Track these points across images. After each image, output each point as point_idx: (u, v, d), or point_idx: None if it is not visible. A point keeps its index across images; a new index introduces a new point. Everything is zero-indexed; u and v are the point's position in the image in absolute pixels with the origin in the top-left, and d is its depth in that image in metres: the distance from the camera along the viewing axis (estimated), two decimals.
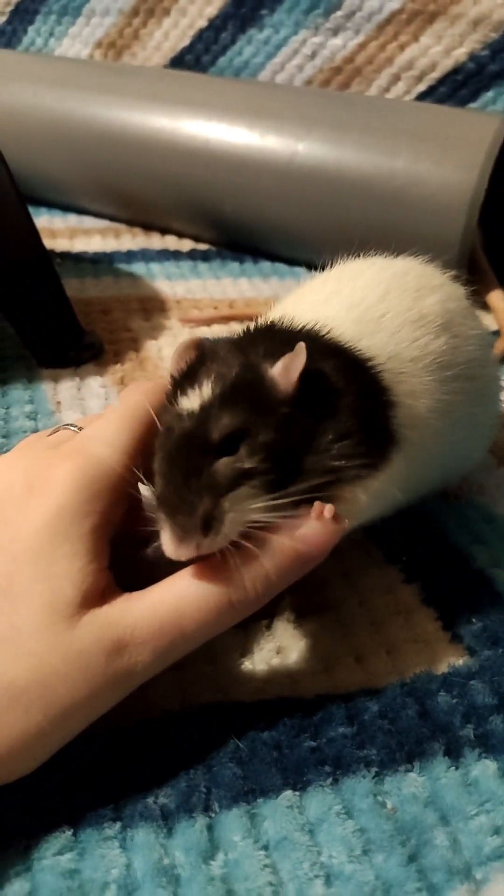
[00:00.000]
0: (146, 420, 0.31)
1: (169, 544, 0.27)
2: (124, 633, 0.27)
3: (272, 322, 0.33)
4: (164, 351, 0.56)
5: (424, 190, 0.62)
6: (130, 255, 0.73)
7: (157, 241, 0.77)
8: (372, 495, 0.32)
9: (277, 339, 0.31)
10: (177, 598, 0.27)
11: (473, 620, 0.35)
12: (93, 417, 0.34)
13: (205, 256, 0.74)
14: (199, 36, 0.84)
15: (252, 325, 0.34)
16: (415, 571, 0.38)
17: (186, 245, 0.77)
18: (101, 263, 0.70)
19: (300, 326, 0.33)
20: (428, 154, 0.62)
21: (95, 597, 0.27)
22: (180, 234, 0.78)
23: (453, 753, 0.29)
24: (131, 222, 0.81)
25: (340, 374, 0.30)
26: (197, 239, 0.78)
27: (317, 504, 0.28)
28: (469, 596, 0.37)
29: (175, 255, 0.74)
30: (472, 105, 0.71)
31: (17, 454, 0.31)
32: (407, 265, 0.39)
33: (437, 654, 0.34)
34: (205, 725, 0.30)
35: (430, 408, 0.34)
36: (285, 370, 0.29)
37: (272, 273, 0.72)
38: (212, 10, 0.83)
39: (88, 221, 0.81)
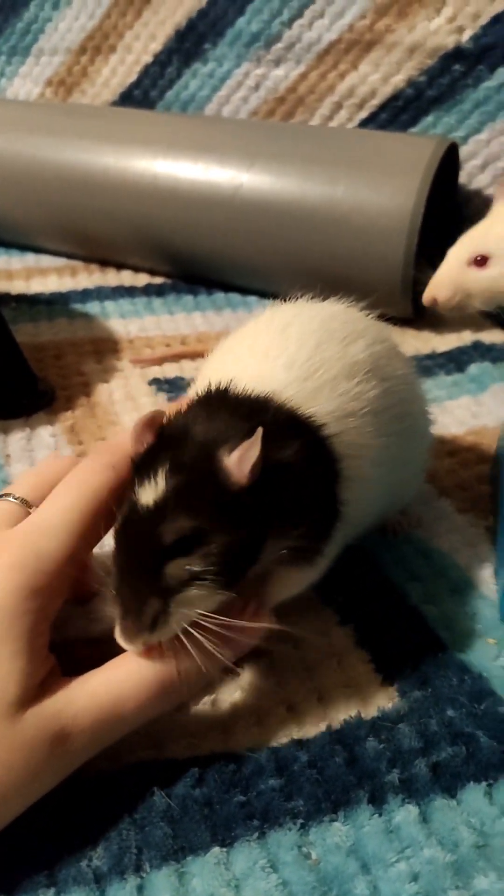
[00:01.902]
0: (96, 504, 0.31)
1: (120, 639, 0.29)
2: (66, 724, 0.28)
3: (223, 389, 0.33)
4: (116, 395, 0.57)
5: (365, 217, 0.64)
6: (86, 295, 0.74)
7: (112, 278, 0.78)
8: (315, 572, 0.34)
9: (233, 414, 0.31)
10: (117, 686, 0.29)
11: (405, 661, 0.37)
12: (33, 481, 0.35)
13: (159, 291, 0.75)
14: (146, 71, 0.86)
15: (205, 391, 0.34)
16: (350, 612, 0.39)
17: (142, 280, 0.78)
18: (55, 305, 0.71)
19: (250, 394, 0.32)
20: (366, 181, 0.64)
21: (37, 691, 0.28)
22: (136, 269, 0.79)
23: (377, 800, 0.31)
24: (88, 259, 0.82)
25: (297, 450, 0.31)
26: (153, 273, 0.79)
27: (248, 610, 0.30)
28: (402, 635, 0.38)
29: (130, 292, 0.75)
30: (413, 130, 0.73)
31: None
32: (332, 311, 0.40)
33: (367, 699, 0.35)
34: (138, 784, 0.31)
35: (370, 460, 0.35)
36: (240, 462, 0.28)
37: (225, 305, 0.73)
38: (156, 46, 0.84)
39: (45, 260, 0.82)
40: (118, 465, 0.32)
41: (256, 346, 0.37)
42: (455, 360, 0.64)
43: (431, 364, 0.63)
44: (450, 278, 0.52)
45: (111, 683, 0.29)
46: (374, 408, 0.36)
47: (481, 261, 0.50)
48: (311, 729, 0.33)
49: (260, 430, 0.28)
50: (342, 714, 0.34)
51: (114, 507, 0.31)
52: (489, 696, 0.35)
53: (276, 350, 0.36)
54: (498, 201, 0.54)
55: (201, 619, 0.29)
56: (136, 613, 0.28)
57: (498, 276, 0.50)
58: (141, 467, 0.30)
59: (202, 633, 0.29)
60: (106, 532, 0.32)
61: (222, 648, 0.29)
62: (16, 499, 0.34)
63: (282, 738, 0.33)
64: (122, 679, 0.29)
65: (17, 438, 0.52)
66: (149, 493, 0.29)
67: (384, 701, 0.35)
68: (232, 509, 0.29)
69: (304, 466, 0.30)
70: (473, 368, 0.62)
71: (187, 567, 0.28)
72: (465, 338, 0.67)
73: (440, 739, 0.33)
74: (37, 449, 0.51)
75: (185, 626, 0.29)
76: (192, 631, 0.29)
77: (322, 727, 0.33)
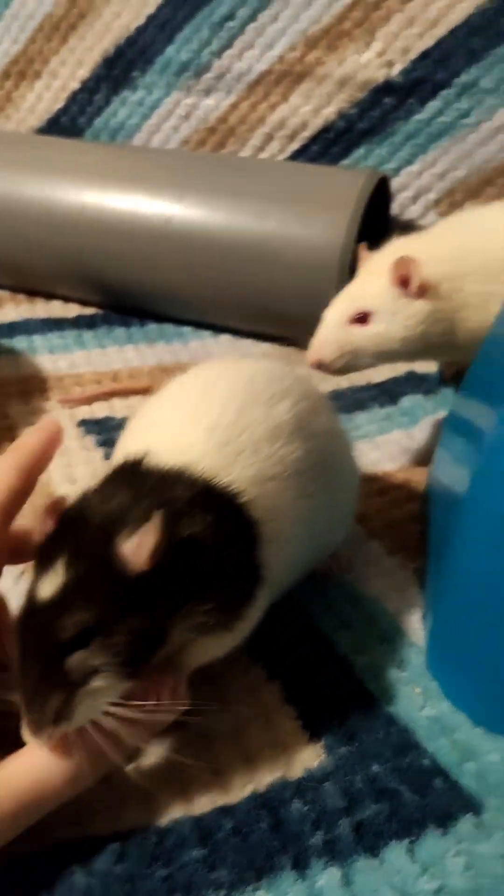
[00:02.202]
0: (28, 461, 0.33)
1: (26, 735, 0.28)
2: None
3: (137, 462, 0.33)
4: None
5: (295, 251, 0.64)
6: (13, 328, 0.72)
7: (41, 309, 0.77)
8: (234, 638, 0.33)
9: (138, 493, 0.30)
10: (36, 771, 0.29)
11: (332, 715, 0.37)
12: None
13: (90, 323, 0.74)
14: (74, 98, 0.85)
15: (116, 466, 0.34)
16: (278, 667, 0.39)
17: (73, 310, 0.76)
18: None
19: (162, 468, 0.32)
20: (296, 216, 0.64)
21: None
22: (66, 299, 0.78)
23: (301, 864, 0.30)
24: (15, 289, 0.80)
25: (209, 525, 0.31)
26: (84, 303, 0.77)
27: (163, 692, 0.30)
28: (330, 687, 0.38)
29: (59, 325, 0.74)
30: (345, 161, 0.74)
31: None
32: (257, 369, 0.40)
33: (293, 758, 0.35)
34: (58, 863, 0.30)
35: (291, 520, 0.35)
36: (137, 549, 0.28)
37: (159, 336, 0.72)
38: (84, 72, 0.83)
39: None
40: (49, 428, 0.34)
41: (179, 409, 0.37)
42: (388, 393, 0.64)
43: (365, 396, 0.64)
44: (334, 338, 0.52)
45: (31, 768, 0.28)
46: (296, 469, 0.36)
47: (363, 318, 0.51)
48: (237, 794, 0.33)
49: (158, 514, 0.28)
50: (268, 776, 0.34)
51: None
52: (413, 749, 0.35)
53: (198, 414, 0.35)
54: (363, 261, 0.55)
55: (109, 709, 0.28)
56: (40, 707, 0.27)
57: (383, 332, 0.51)
58: (42, 556, 0.30)
59: (112, 720, 0.28)
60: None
61: (135, 732, 0.29)
62: None
63: (206, 806, 0.33)
64: (42, 763, 0.29)
65: None
66: (48, 584, 0.28)
67: (311, 759, 0.35)
68: (133, 597, 0.28)
69: (217, 540, 0.30)
70: (406, 401, 0.63)
71: (87, 661, 0.28)
72: (398, 368, 0.68)
73: (364, 797, 0.33)
74: None
75: (92, 717, 0.28)
76: (101, 720, 0.28)
77: (248, 791, 0.33)
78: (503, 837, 0.31)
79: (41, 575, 0.29)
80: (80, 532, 0.29)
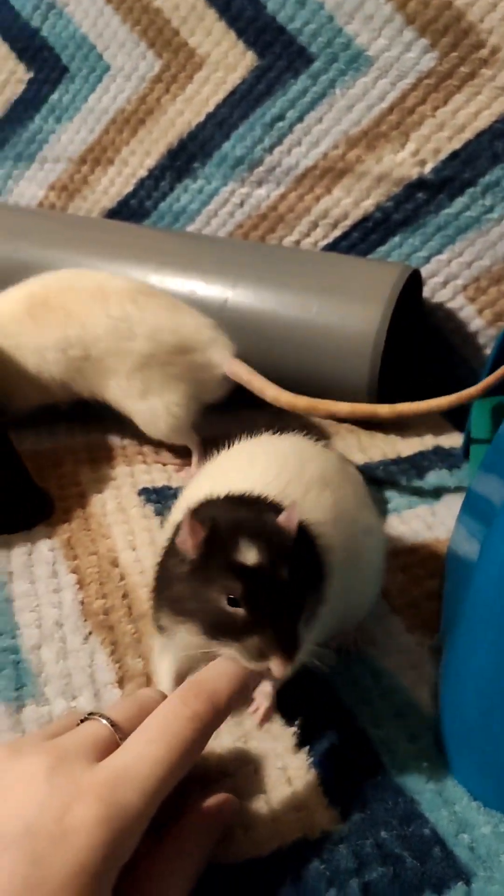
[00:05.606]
0: (182, 760, 0.32)
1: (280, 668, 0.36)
2: None
3: (226, 496, 0.41)
4: (108, 506, 0.63)
5: (334, 340, 0.71)
6: None
7: None
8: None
9: (246, 506, 0.40)
10: None
11: (349, 783, 0.41)
12: (131, 709, 0.36)
13: None
14: (141, 183, 0.93)
15: (208, 499, 0.41)
16: (306, 735, 0.44)
17: None
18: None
19: (254, 495, 0.41)
20: (335, 307, 0.71)
21: None
22: None
23: None
24: None
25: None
26: None
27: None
28: (350, 757, 0.43)
29: None
30: (381, 249, 0.80)
31: (51, 761, 0.31)
32: (287, 442, 0.49)
33: (313, 820, 0.39)
34: None
35: (336, 558, 0.43)
36: (288, 519, 0.37)
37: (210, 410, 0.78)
38: (150, 162, 0.91)
39: None
40: (203, 716, 0.34)
41: (234, 469, 0.45)
42: (417, 466, 0.69)
43: (396, 470, 0.69)
44: None
45: None
46: (334, 514, 0.44)
47: None
48: (265, 848, 0.38)
49: (292, 503, 0.38)
50: (291, 835, 0.39)
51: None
52: (417, 819, 0.39)
53: (252, 469, 0.44)
54: None
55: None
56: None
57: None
58: (215, 550, 0.37)
59: None
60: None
61: None
62: (108, 721, 0.34)
63: (238, 857, 0.38)
64: None
65: (18, 553, 0.57)
66: (251, 557, 0.36)
67: (328, 822, 0.39)
68: (293, 557, 0.37)
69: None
70: (432, 476, 0.68)
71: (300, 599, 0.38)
72: (427, 442, 0.73)
73: (372, 860, 0.37)
74: (37, 564, 0.56)
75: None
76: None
77: (274, 846, 0.38)
78: None
79: (240, 554, 0.36)
80: (243, 523, 0.38)
